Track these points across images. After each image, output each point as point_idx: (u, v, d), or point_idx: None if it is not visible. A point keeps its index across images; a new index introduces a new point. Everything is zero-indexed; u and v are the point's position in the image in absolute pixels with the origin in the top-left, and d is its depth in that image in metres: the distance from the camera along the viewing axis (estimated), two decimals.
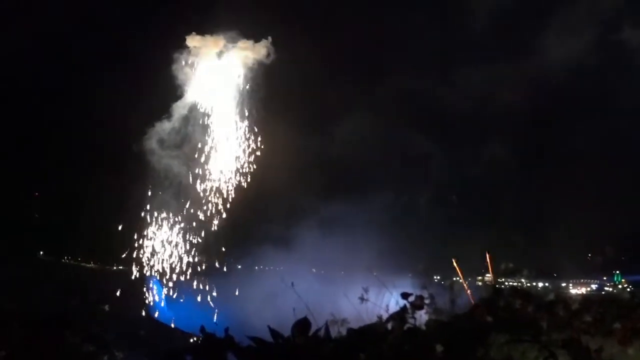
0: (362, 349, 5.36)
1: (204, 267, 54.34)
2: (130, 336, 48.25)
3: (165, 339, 48.05)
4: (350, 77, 74.54)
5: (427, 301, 5.77)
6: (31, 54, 60.37)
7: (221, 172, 53.01)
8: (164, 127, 50.80)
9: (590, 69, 68.23)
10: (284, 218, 58.89)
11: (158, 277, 53.57)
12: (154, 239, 52.83)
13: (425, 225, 66.84)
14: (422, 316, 5.71)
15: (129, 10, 63.96)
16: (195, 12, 59.82)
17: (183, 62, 50.95)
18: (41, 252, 66.43)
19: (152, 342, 47.77)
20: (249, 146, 53.11)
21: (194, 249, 53.44)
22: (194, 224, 53.10)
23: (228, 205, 52.94)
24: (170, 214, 52.81)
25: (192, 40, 51.15)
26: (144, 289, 54.64)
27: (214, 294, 54.35)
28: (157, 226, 52.77)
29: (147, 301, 54.63)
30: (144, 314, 53.84)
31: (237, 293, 54.52)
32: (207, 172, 52.81)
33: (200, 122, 52.43)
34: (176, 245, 53.26)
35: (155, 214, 52.50)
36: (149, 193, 51.57)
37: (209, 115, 52.69)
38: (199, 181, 52.59)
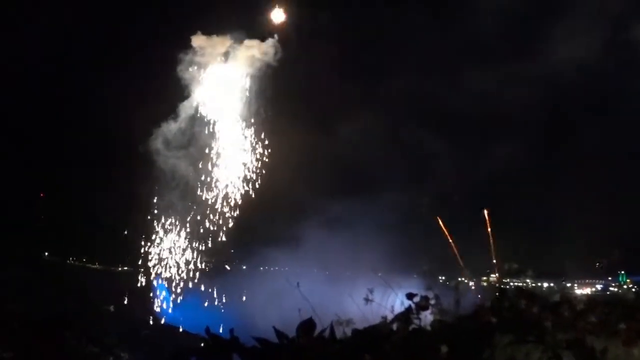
0: (367, 349, 5.36)
1: (208, 269, 54.24)
2: (135, 337, 48.38)
3: (169, 340, 48.13)
4: (357, 77, 74.52)
5: (432, 302, 5.77)
6: (34, 54, 60.42)
7: (229, 179, 52.74)
8: (170, 127, 50.74)
9: (600, 69, 68.05)
10: (289, 218, 58.86)
11: (162, 278, 53.57)
12: (160, 241, 52.79)
13: (431, 225, 66.75)
14: (427, 317, 5.72)
15: (135, 9, 63.87)
16: (201, 11, 59.72)
17: (189, 62, 50.83)
18: (46, 253, 66.57)
19: (156, 342, 47.86)
20: (255, 150, 52.85)
21: (200, 253, 53.34)
22: (201, 230, 52.97)
23: (235, 213, 52.78)
24: (177, 219, 52.68)
25: (198, 40, 51.02)
26: (149, 290, 54.66)
27: (219, 294, 54.39)
28: (163, 228, 52.71)
29: (151, 302, 54.66)
30: (148, 314, 53.87)
31: (242, 294, 54.53)
32: (214, 178, 52.61)
33: (207, 122, 52.30)
34: (183, 249, 53.18)
35: (162, 216, 52.41)
36: (156, 194, 51.48)
37: (215, 121, 52.47)
38: (205, 188, 52.41)
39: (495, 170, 69.47)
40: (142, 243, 53.29)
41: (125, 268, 66.09)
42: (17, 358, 9.21)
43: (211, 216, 52.70)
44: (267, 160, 52.90)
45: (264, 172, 52.87)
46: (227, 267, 57.30)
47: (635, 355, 5.56)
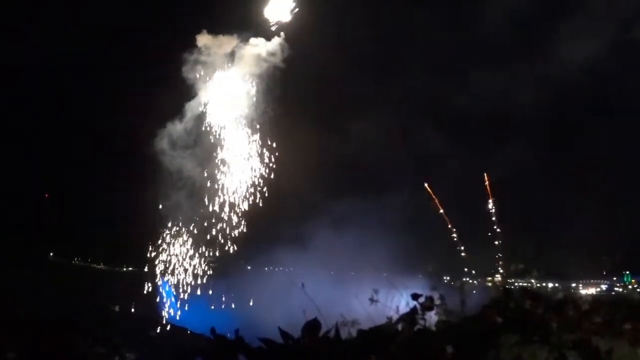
0: (372, 350, 5.37)
1: (212, 271, 54.12)
2: (141, 337, 48.43)
3: (175, 340, 48.16)
4: (365, 78, 74.51)
5: (437, 302, 5.78)
6: (37, 57, 60.59)
7: (236, 186, 52.56)
8: (176, 127, 50.59)
9: (608, 70, 67.99)
10: (294, 218, 58.79)
11: (168, 278, 53.56)
12: (166, 242, 52.74)
13: (436, 226, 66.80)
14: (432, 317, 5.73)
15: (142, 10, 63.96)
16: (206, 10, 59.65)
17: (194, 62, 50.66)
18: (51, 254, 66.74)
19: (162, 343, 47.90)
20: (262, 155, 52.56)
21: (207, 259, 53.27)
22: (208, 237, 52.82)
23: (242, 221, 52.62)
24: (184, 220, 52.57)
25: (204, 40, 50.79)
26: (154, 290, 54.69)
27: (224, 295, 54.42)
28: (169, 229, 52.64)
29: (157, 302, 54.67)
30: (154, 315, 53.91)
31: (247, 295, 54.54)
32: (220, 185, 52.41)
33: (212, 127, 52.09)
34: (188, 252, 53.13)
35: (169, 216, 52.29)
36: (162, 194, 51.32)
37: (221, 127, 52.26)
38: (212, 195, 52.25)
39: (502, 170, 69.49)
40: (148, 244, 53.29)
41: (130, 268, 66.22)
42: (22, 358, 9.22)
43: (218, 226, 52.53)
44: (273, 165, 52.61)
45: (271, 176, 52.62)
46: (231, 269, 57.16)
47: None
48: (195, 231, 52.50)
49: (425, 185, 65.36)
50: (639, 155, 70.26)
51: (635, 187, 67.09)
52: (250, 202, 52.54)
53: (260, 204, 52.51)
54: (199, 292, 53.22)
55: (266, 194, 52.53)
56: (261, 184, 52.55)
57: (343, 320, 5.65)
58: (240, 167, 52.60)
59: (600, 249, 60.52)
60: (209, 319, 48.43)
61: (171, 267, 52.90)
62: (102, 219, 61.73)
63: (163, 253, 52.83)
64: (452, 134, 74.94)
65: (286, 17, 50.32)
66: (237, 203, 52.53)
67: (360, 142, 64.31)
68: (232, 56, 51.51)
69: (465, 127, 76.00)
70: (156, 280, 54.13)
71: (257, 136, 52.43)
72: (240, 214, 52.50)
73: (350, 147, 64.10)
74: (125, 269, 67.26)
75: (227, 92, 52.01)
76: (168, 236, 52.55)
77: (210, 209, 52.05)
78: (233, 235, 52.52)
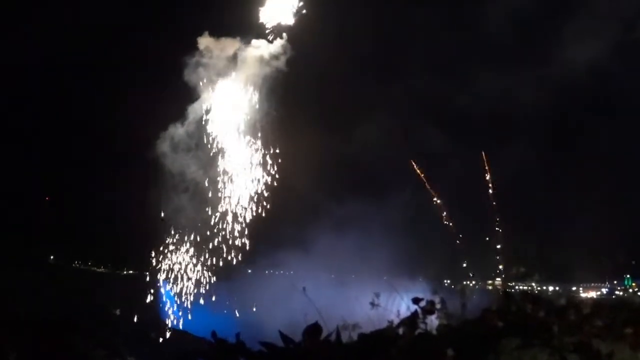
0: (373, 354, 5.37)
1: (214, 276, 53.89)
2: (141, 340, 48.40)
3: (176, 343, 48.16)
4: (368, 79, 74.48)
5: (438, 306, 5.78)
6: (38, 57, 60.55)
7: (238, 195, 52.24)
8: (178, 130, 50.44)
9: (609, 69, 67.83)
10: (295, 221, 58.63)
11: (169, 282, 53.43)
12: (168, 245, 52.58)
13: (438, 229, 66.84)
14: (433, 321, 5.72)
15: (143, 10, 63.92)
16: (208, 14, 59.68)
17: (196, 64, 50.44)
18: (52, 257, 66.73)
19: (163, 346, 47.91)
20: (265, 163, 52.22)
21: (208, 267, 53.07)
22: (210, 246, 52.59)
23: (245, 231, 52.36)
24: (186, 224, 52.37)
25: (206, 42, 50.58)
26: (155, 294, 54.60)
27: (225, 298, 54.34)
28: (170, 232, 52.47)
29: (157, 305, 54.61)
30: (154, 318, 53.88)
31: (249, 299, 54.42)
32: (222, 194, 52.13)
33: (215, 127, 51.82)
34: (190, 257, 52.94)
35: (171, 219, 52.07)
36: (164, 197, 51.08)
37: (221, 134, 51.93)
38: (214, 206, 51.95)
39: (503, 172, 69.51)
40: (149, 247, 53.19)
41: (131, 272, 66.21)
42: (23, 359, 9.22)
43: (220, 235, 52.24)
44: (276, 172, 52.23)
45: (274, 183, 52.32)
46: (233, 273, 56.91)
47: None
48: (198, 238, 52.33)
49: (427, 185, 65.42)
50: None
51: (636, 189, 67.01)
52: (254, 213, 52.35)
53: (263, 214, 52.33)
54: (200, 296, 53.16)
55: (269, 203, 52.34)
56: (264, 191, 52.31)
57: (344, 324, 5.65)
58: (242, 173, 52.38)
59: (602, 250, 60.47)
60: (210, 322, 48.43)
61: (172, 271, 52.82)
62: (102, 221, 61.72)
63: (164, 256, 52.76)
64: (453, 133, 74.93)
65: (289, 19, 50.29)
66: (239, 212, 52.35)
67: (361, 143, 64.33)
68: (234, 58, 51.36)
69: (467, 127, 75.90)
70: (157, 284, 54.11)
71: (259, 141, 52.25)
72: (243, 224, 52.34)
73: (351, 148, 64.13)
74: (125, 272, 67.25)
75: (230, 94, 51.85)
76: (169, 239, 52.45)
77: (213, 221, 51.91)
78: (236, 244, 52.39)
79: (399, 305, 6.08)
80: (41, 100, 64.48)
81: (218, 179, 51.78)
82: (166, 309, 54.11)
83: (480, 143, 74.75)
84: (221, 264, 52.54)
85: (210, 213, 51.79)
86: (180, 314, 53.60)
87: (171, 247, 52.44)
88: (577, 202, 66.18)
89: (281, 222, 56.65)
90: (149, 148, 50.11)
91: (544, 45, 76.53)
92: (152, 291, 53.98)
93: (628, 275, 63.52)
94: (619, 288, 63.40)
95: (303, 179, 55.14)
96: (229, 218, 51.98)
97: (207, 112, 51.30)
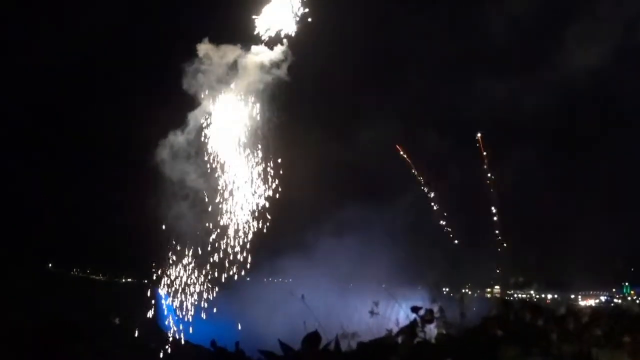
0: None
1: (216, 291, 53.68)
2: (140, 349, 48.31)
3: (175, 352, 48.06)
4: (369, 84, 74.37)
5: (437, 315, 5.79)
6: (38, 61, 60.50)
7: (239, 212, 52.05)
8: (178, 138, 50.26)
9: (613, 75, 67.78)
10: (293, 230, 58.48)
11: (169, 292, 53.30)
12: (167, 254, 52.42)
13: (437, 237, 66.86)
14: (432, 330, 5.73)
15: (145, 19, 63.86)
16: (209, 21, 59.57)
17: (195, 72, 50.29)
18: (50, 265, 66.63)
19: (163, 355, 47.79)
20: (265, 174, 52.03)
21: (209, 280, 52.93)
22: (211, 260, 52.38)
23: (247, 246, 52.18)
24: (186, 238, 52.20)
25: (205, 49, 50.41)
26: (154, 302, 54.48)
27: (225, 307, 54.20)
28: (169, 241, 52.27)
29: (157, 314, 54.49)
30: (154, 327, 53.75)
31: (247, 306, 54.29)
32: (223, 210, 51.95)
33: (214, 134, 51.66)
34: (191, 267, 52.82)
35: (170, 227, 51.87)
36: (164, 204, 50.90)
37: (221, 143, 51.75)
38: (214, 224, 51.77)
39: (504, 178, 69.59)
40: (149, 254, 53.05)
41: (130, 280, 66.12)
42: None
43: (220, 251, 52.10)
44: (278, 186, 52.02)
45: (277, 196, 52.10)
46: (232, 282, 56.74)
47: None
48: (199, 250, 52.14)
49: (425, 190, 65.53)
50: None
51: (636, 196, 67.02)
52: (255, 229, 52.22)
53: (265, 230, 52.19)
54: (200, 307, 53.01)
55: (270, 217, 52.22)
56: (266, 203, 52.14)
57: (343, 333, 5.66)
58: (243, 186, 52.23)
59: (601, 258, 60.39)
60: (209, 331, 48.35)
61: (171, 280, 52.70)
62: (101, 228, 61.56)
63: (163, 265, 52.66)
64: (456, 140, 74.91)
65: (291, 26, 50.24)
66: (241, 228, 52.23)
67: (363, 150, 64.28)
68: (235, 65, 51.20)
69: (468, 133, 75.78)
70: (157, 293, 54.01)
71: (260, 152, 52.10)
72: (245, 239, 52.21)
73: (352, 155, 64.01)
74: (124, 280, 67.17)
75: (230, 102, 51.78)
76: (169, 247, 52.31)
77: (213, 236, 51.77)
78: (237, 258, 52.26)
79: (397, 313, 6.08)
80: (39, 107, 64.46)
81: (218, 187, 51.71)
82: (166, 318, 53.99)
83: (481, 149, 74.77)
84: (223, 279, 52.39)
85: (211, 227, 51.66)
86: (180, 324, 53.48)
87: (171, 256, 52.34)
88: (576, 209, 66.23)
89: (282, 233, 56.49)
90: (148, 155, 50.01)
91: (547, 50, 76.64)
92: (151, 300, 53.86)
93: (627, 283, 63.51)
94: (617, 296, 63.38)
95: (305, 189, 55.00)
96: (230, 232, 51.88)
97: (207, 118, 51.23)
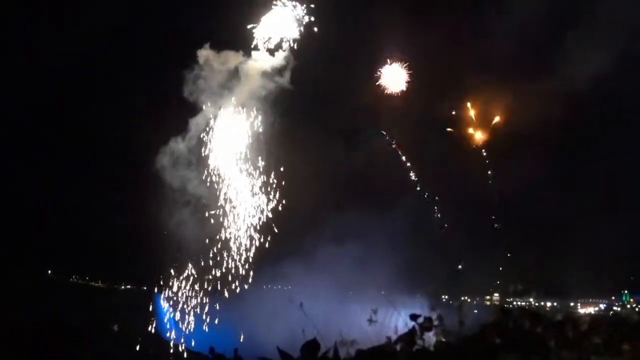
0: None
1: (213, 292, 53.53)
2: (139, 355, 48.21)
3: (174, 359, 47.95)
4: (368, 89, 74.16)
5: (435, 322, 5.78)
6: (37, 63, 60.40)
7: (240, 227, 51.83)
8: (179, 145, 50.06)
9: (616, 83, 67.57)
10: (293, 238, 58.30)
11: (166, 297, 53.16)
12: (166, 259, 52.27)
13: (436, 245, 66.70)
14: (430, 337, 5.72)
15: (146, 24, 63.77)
16: (209, 22, 59.48)
17: (196, 79, 50.09)
18: (49, 272, 66.50)
19: None
20: (267, 185, 51.74)
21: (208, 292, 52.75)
22: (210, 276, 52.22)
23: (250, 258, 51.98)
24: (187, 246, 51.99)
25: (206, 56, 50.20)
26: (152, 309, 54.36)
27: (224, 314, 54.08)
28: (169, 248, 52.10)
29: (156, 321, 54.38)
30: (153, 334, 53.62)
31: (249, 316, 54.13)
32: (224, 225, 51.74)
33: (215, 143, 51.43)
34: (191, 275, 52.66)
35: (171, 234, 51.66)
36: (165, 211, 50.66)
37: (222, 152, 51.57)
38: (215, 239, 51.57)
39: (504, 186, 69.44)
40: (148, 261, 52.90)
41: (129, 286, 65.97)
42: None
43: (222, 269, 51.93)
44: (281, 200, 51.82)
45: (280, 208, 51.86)
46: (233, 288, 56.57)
47: None
48: (202, 262, 51.96)
49: (425, 195, 65.47)
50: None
51: (636, 204, 66.86)
52: (257, 243, 52.10)
53: (267, 245, 52.06)
54: (200, 316, 52.88)
55: (272, 230, 52.10)
56: (268, 214, 51.96)
57: (342, 340, 5.65)
58: (245, 199, 52.06)
59: (600, 266, 60.25)
60: (208, 337, 48.28)
61: (171, 287, 52.56)
62: (101, 229, 61.37)
63: (164, 272, 52.55)
64: (457, 147, 74.73)
65: (294, 32, 50.22)
66: (242, 242, 52.09)
67: (361, 157, 64.16)
68: (236, 72, 51.03)
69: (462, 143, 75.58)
70: (157, 300, 53.92)
71: (262, 162, 51.91)
72: (247, 253, 52.09)
73: (354, 164, 63.88)
74: (124, 287, 67.02)
75: (231, 110, 51.64)
76: (170, 254, 52.18)
77: (213, 250, 51.61)
78: (239, 272, 52.17)
79: (396, 321, 6.07)
80: (39, 107, 64.36)
81: (219, 197, 51.61)
82: (165, 325, 53.84)
83: (483, 157, 74.64)
84: (226, 293, 52.26)
85: (211, 241, 51.47)
86: (180, 332, 53.37)
87: (172, 263, 52.22)
88: (576, 217, 66.03)
89: (283, 241, 56.29)
90: (148, 157, 49.83)
91: (550, 56, 76.51)
92: (150, 307, 53.75)
93: (626, 291, 63.32)
94: (617, 304, 63.21)
95: (305, 196, 54.82)
96: (232, 246, 51.74)
97: (208, 126, 51.11)
